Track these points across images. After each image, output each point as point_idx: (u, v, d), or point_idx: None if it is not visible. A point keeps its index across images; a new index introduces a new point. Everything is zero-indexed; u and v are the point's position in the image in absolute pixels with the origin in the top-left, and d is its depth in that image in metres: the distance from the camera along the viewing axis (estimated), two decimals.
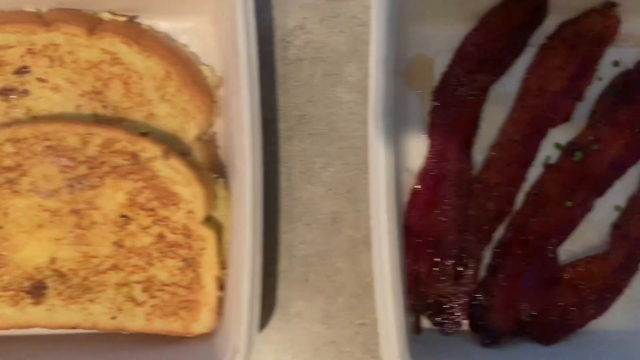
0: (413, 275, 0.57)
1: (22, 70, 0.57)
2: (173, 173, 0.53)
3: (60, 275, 0.55)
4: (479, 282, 0.59)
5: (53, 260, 0.55)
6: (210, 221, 0.56)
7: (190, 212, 0.54)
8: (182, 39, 0.61)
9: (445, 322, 0.58)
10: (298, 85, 0.62)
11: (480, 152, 0.61)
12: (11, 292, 0.55)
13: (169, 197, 0.54)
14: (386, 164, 0.52)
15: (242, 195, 0.52)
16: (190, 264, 0.55)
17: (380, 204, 0.52)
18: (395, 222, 0.52)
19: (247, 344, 0.50)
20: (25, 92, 0.57)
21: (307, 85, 0.62)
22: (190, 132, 0.57)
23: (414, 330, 0.56)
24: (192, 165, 0.55)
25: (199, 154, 0.57)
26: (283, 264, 0.60)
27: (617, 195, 0.60)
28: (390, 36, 0.53)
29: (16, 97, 0.57)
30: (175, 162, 0.53)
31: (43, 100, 0.57)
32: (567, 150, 0.60)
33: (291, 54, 0.62)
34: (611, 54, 0.62)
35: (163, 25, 0.61)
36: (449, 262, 0.58)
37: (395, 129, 0.56)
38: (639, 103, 0.60)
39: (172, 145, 0.56)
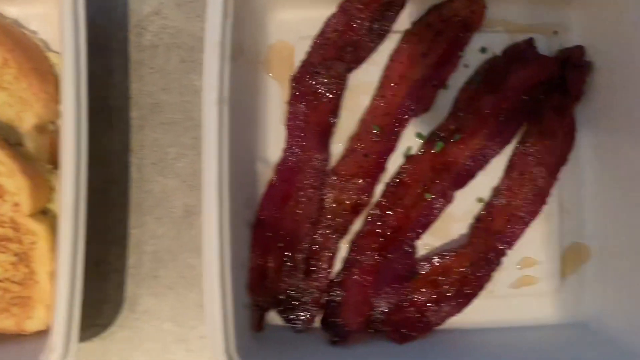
0: (259, 270, 0.54)
1: None
2: None
3: None
4: (333, 277, 0.57)
5: None
6: (46, 214, 0.54)
7: (16, 204, 0.51)
8: (33, 26, 0.59)
9: (296, 319, 0.56)
10: (152, 72, 0.59)
11: (341, 143, 0.59)
12: None
13: None
14: (218, 154, 0.49)
15: (65, 187, 0.49)
16: (23, 258, 0.53)
17: (211, 197, 0.49)
18: (227, 215, 0.50)
19: (64, 343, 0.48)
20: None
21: (162, 73, 0.59)
22: (27, 121, 0.54)
23: (255, 328, 0.53)
24: (23, 156, 0.53)
25: (33, 144, 0.54)
26: (132, 260, 0.58)
27: (480, 187, 0.58)
28: (225, 18, 0.50)
29: None
30: None
31: None
32: (429, 140, 0.58)
33: (146, 40, 0.60)
34: (479, 40, 0.59)
35: (12, 10, 0.59)
36: (301, 256, 0.56)
37: (242, 117, 0.54)
38: (504, 91, 0.57)
39: (7, 135, 0.54)
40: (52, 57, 0.58)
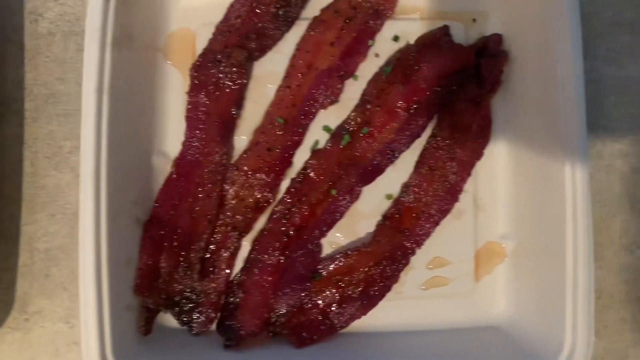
0: (149, 270, 0.51)
1: None
2: None
3: None
4: (233, 278, 0.54)
5: None
6: None
7: None
8: None
9: (192, 322, 0.53)
10: (48, 61, 0.56)
11: (245, 136, 0.55)
12: None
13: None
14: (95, 145, 0.46)
15: None
16: None
17: (87, 191, 0.47)
18: (105, 211, 0.47)
19: None
20: None
21: (58, 61, 0.56)
22: None
23: (142, 331, 0.51)
24: None
25: None
26: (23, 258, 0.55)
27: (390, 183, 0.55)
28: (107, 2, 0.48)
29: None
30: None
31: None
32: (336, 134, 0.55)
33: (42, 27, 0.56)
34: (392, 28, 0.56)
35: None
36: (197, 255, 0.53)
37: (137, 108, 0.52)
38: (416, 82, 0.54)
39: None
40: None
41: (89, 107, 0.47)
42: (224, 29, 0.55)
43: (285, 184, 0.55)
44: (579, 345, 0.46)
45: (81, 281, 0.46)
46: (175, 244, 0.53)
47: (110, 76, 0.48)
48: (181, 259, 0.53)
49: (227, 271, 0.53)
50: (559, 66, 0.48)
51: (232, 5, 0.55)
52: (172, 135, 0.55)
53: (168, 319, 0.53)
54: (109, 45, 0.48)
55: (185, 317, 0.53)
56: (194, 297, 0.53)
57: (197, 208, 0.54)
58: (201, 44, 0.55)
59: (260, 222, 0.55)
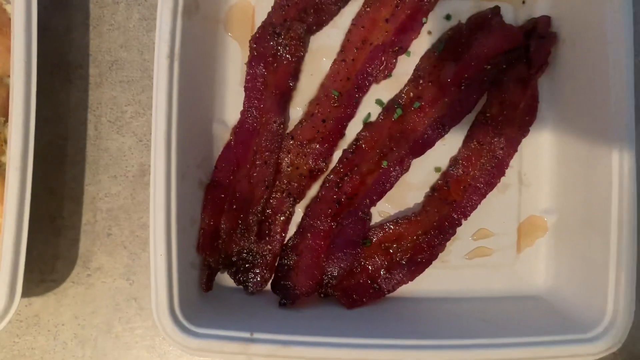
0: (210, 231, 0.54)
1: None
2: None
3: None
4: (287, 241, 0.57)
5: None
6: None
7: None
8: None
9: (248, 281, 0.55)
10: (112, 29, 0.58)
11: (300, 107, 0.58)
12: None
13: None
14: (167, 108, 0.49)
15: (12, 139, 0.49)
16: None
17: (159, 153, 0.49)
18: (175, 172, 0.49)
19: (8, 294, 0.48)
20: None
21: (122, 30, 0.58)
22: None
23: (204, 287, 0.53)
24: None
25: None
26: (86, 217, 0.57)
27: (439, 157, 0.57)
28: None
29: None
30: None
31: None
32: (388, 107, 0.57)
33: None
34: (445, 7, 0.58)
35: None
36: (254, 218, 0.55)
37: (200, 77, 0.54)
38: (467, 59, 0.56)
39: None
40: (9, 9, 0.57)
41: (161, 72, 0.49)
42: (283, 2, 0.57)
43: (337, 154, 0.57)
44: (621, 314, 0.49)
45: (152, 237, 0.48)
46: (234, 206, 0.55)
47: (180, 43, 0.50)
48: (239, 222, 0.56)
49: (282, 235, 0.56)
50: (610, 48, 0.50)
51: None
52: (231, 105, 0.57)
53: (224, 279, 0.56)
54: (180, 13, 0.50)
55: (241, 277, 0.55)
56: (250, 258, 0.56)
57: (255, 174, 0.56)
58: (260, 16, 0.58)
59: (313, 190, 0.57)
